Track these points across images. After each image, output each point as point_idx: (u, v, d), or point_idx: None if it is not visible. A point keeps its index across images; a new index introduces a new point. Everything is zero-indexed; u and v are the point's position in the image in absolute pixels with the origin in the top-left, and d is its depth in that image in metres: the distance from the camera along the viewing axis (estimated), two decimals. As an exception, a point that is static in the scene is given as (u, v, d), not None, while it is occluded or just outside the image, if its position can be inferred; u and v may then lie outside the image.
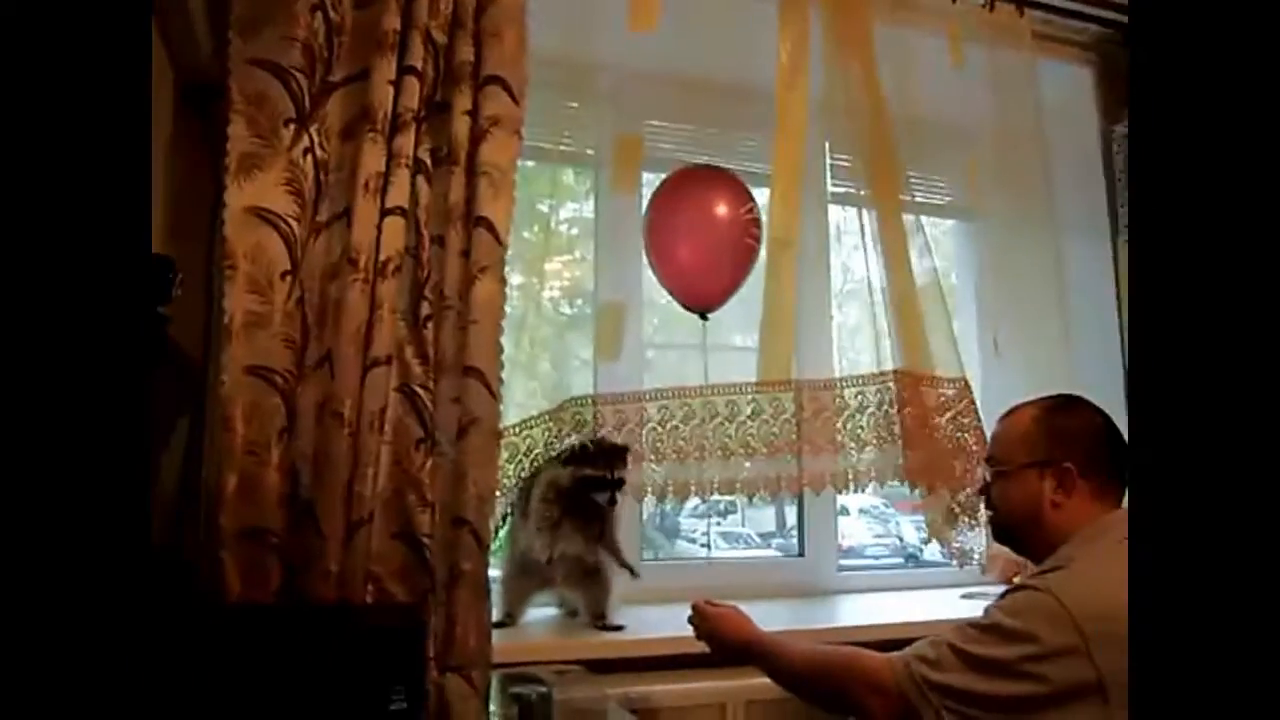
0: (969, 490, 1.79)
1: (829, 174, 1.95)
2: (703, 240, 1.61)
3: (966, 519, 1.84)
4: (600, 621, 1.65)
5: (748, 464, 1.83)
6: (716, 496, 1.90)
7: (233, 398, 1.33)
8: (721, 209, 1.59)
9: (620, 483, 1.63)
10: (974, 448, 1.81)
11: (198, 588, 1.28)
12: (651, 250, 1.61)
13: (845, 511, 2.37)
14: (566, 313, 2.09)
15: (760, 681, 1.58)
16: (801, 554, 2.01)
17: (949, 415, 1.83)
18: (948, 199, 2.25)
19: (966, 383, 1.84)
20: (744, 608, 1.80)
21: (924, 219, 1.94)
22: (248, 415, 1.34)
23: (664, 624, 1.64)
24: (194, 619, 1.12)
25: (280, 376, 1.37)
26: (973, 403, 1.84)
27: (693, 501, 2.21)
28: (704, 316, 1.63)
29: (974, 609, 1.24)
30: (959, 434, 1.83)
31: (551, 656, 1.52)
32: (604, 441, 1.69)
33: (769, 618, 1.76)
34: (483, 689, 1.41)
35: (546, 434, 1.73)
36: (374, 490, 1.39)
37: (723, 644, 1.39)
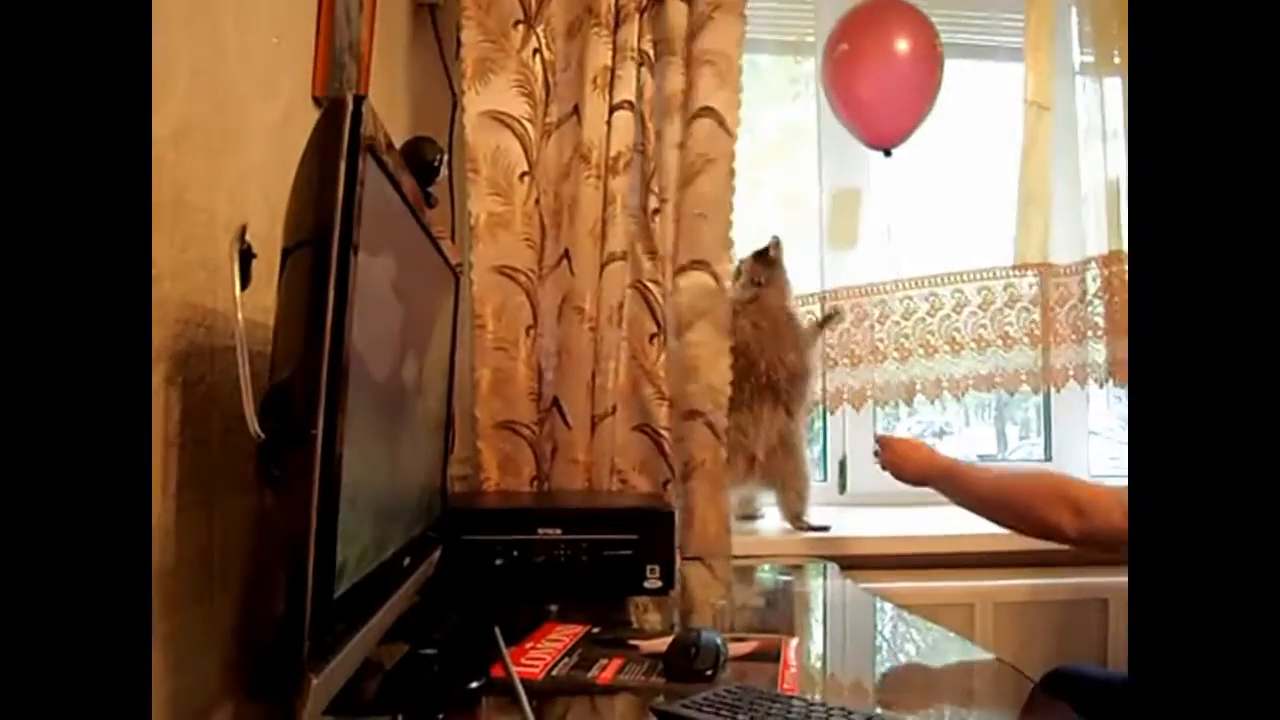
0: None
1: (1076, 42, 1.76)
2: (885, 76, 1.49)
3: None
4: (798, 521, 1.58)
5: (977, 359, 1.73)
6: (947, 397, 1.80)
7: (483, 296, 1.40)
8: (903, 44, 1.47)
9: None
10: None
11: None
12: (831, 85, 1.51)
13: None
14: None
15: (1009, 583, 1.53)
16: (1048, 458, 1.89)
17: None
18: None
19: None
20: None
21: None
22: (497, 313, 1.41)
23: (906, 525, 1.60)
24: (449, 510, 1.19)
25: (524, 275, 1.41)
26: None
27: (905, 422, 2.12)
28: (888, 153, 1.54)
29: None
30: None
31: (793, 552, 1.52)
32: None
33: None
34: (724, 578, 1.44)
35: None
36: (615, 384, 1.42)
37: (910, 470, 1.37)
